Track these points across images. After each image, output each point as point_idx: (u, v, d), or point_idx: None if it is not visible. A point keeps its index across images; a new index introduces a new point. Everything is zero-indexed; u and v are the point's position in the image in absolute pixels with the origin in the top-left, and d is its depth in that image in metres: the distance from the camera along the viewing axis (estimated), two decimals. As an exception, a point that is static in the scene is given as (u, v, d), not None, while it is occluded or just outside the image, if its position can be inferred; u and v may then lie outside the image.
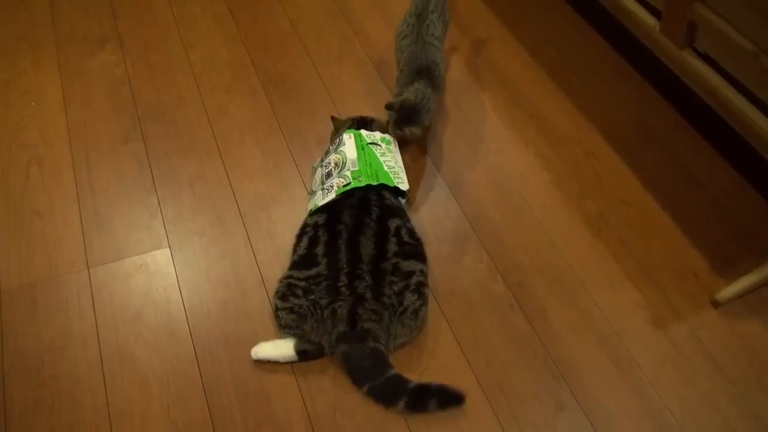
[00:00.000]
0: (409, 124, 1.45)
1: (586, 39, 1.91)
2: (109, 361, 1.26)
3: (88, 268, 1.40)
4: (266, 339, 1.27)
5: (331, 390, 1.22)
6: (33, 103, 1.74)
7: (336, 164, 1.40)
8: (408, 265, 1.28)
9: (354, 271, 1.25)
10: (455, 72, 1.83)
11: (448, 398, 1.19)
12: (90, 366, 1.25)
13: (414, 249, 1.32)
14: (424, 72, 1.49)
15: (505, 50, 1.88)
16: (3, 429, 1.17)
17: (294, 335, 1.24)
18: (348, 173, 1.36)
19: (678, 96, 1.73)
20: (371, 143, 1.43)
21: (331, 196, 1.35)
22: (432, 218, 1.49)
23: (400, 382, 1.19)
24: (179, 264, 1.41)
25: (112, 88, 1.78)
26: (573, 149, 1.64)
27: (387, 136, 1.49)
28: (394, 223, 1.32)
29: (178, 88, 1.78)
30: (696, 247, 1.45)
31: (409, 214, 1.41)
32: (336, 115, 1.69)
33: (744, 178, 1.57)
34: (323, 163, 1.45)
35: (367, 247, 1.27)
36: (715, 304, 1.36)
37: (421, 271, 1.29)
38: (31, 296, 1.35)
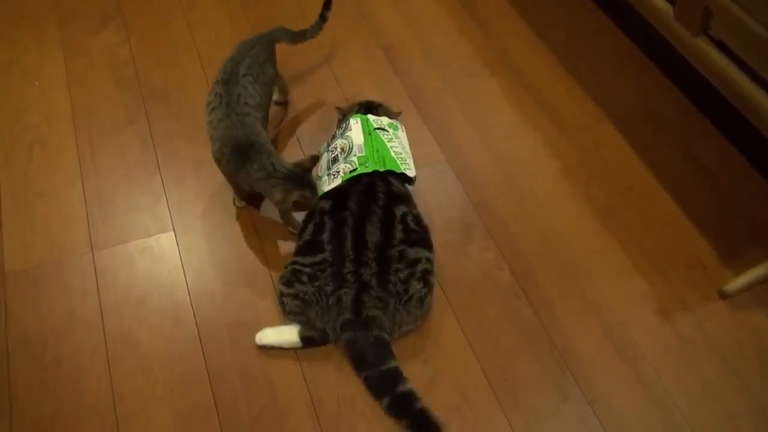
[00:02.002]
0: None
1: (596, 23, 1.88)
2: (113, 345, 1.26)
3: (92, 251, 1.39)
4: (271, 325, 1.27)
5: (335, 377, 1.22)
6: (36, 83, 1.72)
7: (342, 149, 1.38)
8: (414, 252, 1.27)
9: (360, 258, 1.24)
10: (463, 57, 1.80)
11: (422, 427, 1.13)
12: (94, 349, 1.25)
13: (420, 236, 1.31)
14: (248, 151, 1.28)
15: (513, 34, 1.85)
16: (7, 411, 1.17)
17: (298, 322, 1.24)
18: (354, 159, 1.35)
19: (689, 83, 1.70)
20: (378, 128, 1.41)
21: (337, 181, 1.33)
22: (438, 205, 1.48)
23: (392, 379, 1.17)
24: (183, 248, 1.41)
25: (116, 69, 1.76)
26: (581, 136, 1.62)
27: (394, 121, 1.47)
28: (400, 210, 1.30)
29: (182, 69, 1.76)
30: (704, 237, 1.44)
31: (416, 200, 1.40)
32: (342, 100, 1.67)
33: (754, 167, 1.55)
34: (329, 148, 1.43)
35: (373, 234, 1.26)
36: (723, 296, 1.35)
37: (427, 259, 1.28)
38: (34, 279, 1.35)
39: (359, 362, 1.20)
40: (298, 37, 1.59)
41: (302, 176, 1.29)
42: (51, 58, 1.78)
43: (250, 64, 1.39)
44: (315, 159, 1.32)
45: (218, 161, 1.34)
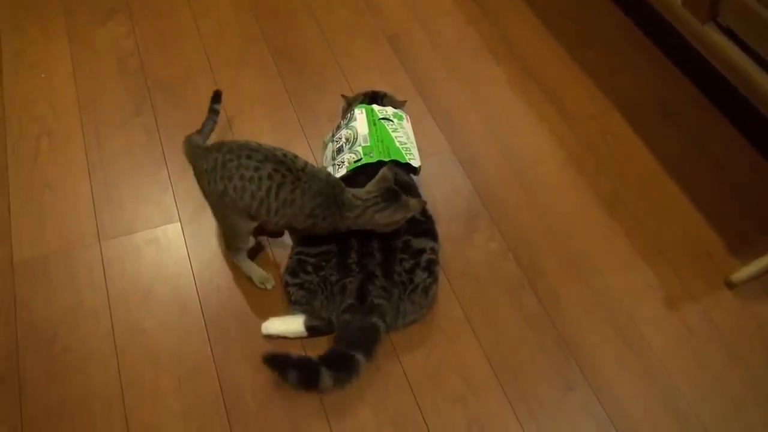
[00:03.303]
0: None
1: (604, 12, 1.86)
2: (120, 335, 1.27)
3: (99, 242, 1.40)
4: (276, 315, 1.27)
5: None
6: (42, 75, 1.73)
7: (347, 140, 1.38)
8: (419, 242, 1.27)
9: (364, 249, 1.24)
10: (469, 46, 1.79)
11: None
12: (102, 339, 1.26)
13: (425, 226, 1.30)
14: (335, 198, 1.20)
15: (520, 23, 1.84)
16: (17, 400, 1.19)
17: (304, 311, 1.24)
18: (359, 149, 1.35)
19: (698, 72, 1.69)
20: (383, 118, 1.40)
21: (342, 171, 1.33)
22: (443, 195, 1.48)
23: (348, 364, 1.15)
24: (190, 239, 1.41)
25: (122, 60, 1.76)
26: (589, 126, 1.61)
27: (399, 111, 1.46)
28: (405, 200, 1.30)
29: (187, 61, 1.76)
30: (712, 227, 1.43)
31: (421, 190, 1.40)
32: (347, 91, 1.66)
33: (763, 157, 1.53)
34: (334, 139, 1.43)
35: (377, 224, 1.26)
36: (730, 285, 1.34)
37: (432, 249, 1.28)
38: (43, 269, 1.36)
39: (338, 337, 1.19)
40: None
41: (394, 190, 1.21)
42: (57, 49, 1.79)
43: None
44: (392, 170, 1.25)
45: (313, 225, 1.21)
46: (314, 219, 1.20)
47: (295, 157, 1.21)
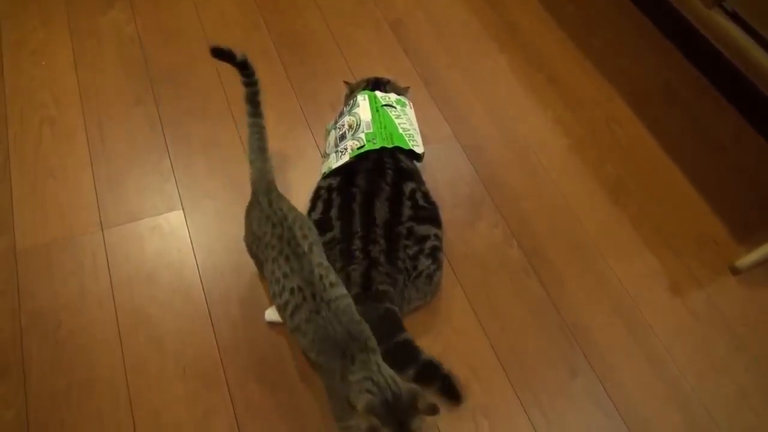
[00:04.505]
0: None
1: (608, -2, 1.85)
2: (124, 321, 1.27)
3: (102, 230, 1.40)
4: (280, 301, 1.27)
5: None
6: (43, 63, 1.72)
7: (350, 126, 1.38)
8: (423, 229, 1.26)
9: (368, 235, 1.23)
10: (472, 32, 1.78)
11: (449, 390, 1.16)
12: (106, 325, 1.26)
13: (429, 213, 1.30)
14: (349, 350, 1.00)
15: (523, 9, 1.83)
16: (22, 386, 1.19)
17: (308, 298, 1.24)
18: (362, 135, 1.34)
19: (703, 57, 1.67)
20: (386, 105, 1.40)
21: (345, 158, 1.33)
22: (447, 182, 1.47)
23: (411, 350, 1.18)
24: (193, 226, 1.41)
25: (123, 48, 1.75)
26: (593, 113, 1.60)
27: (402, 97, 1.45)
28: (408, 186, 1.30)
29: (189, 49, 1.75)
30: (716, 214, 1.42)
31: (424, 177, 1.39)
32: (350, 78, 1.65)
33: (769, 143, 1.53)
34: (337, 125, 1.42)
35: (381, 211, 1.25)
36: (735, 272, 1.33)
37: (436, 236, 1.27)
38: (46, 256, 1.36)
39: None
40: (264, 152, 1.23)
41: (404, 410, 0.95)
42: (58, 37, 1.78)
43: (298, 221, 1.11)
44: (435, 409, 0.96)
45: (315, 359, 1.05)
46: (317, 357, 1.03)
47: (333, 285, 1.05)
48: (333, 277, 1.07)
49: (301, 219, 1.13)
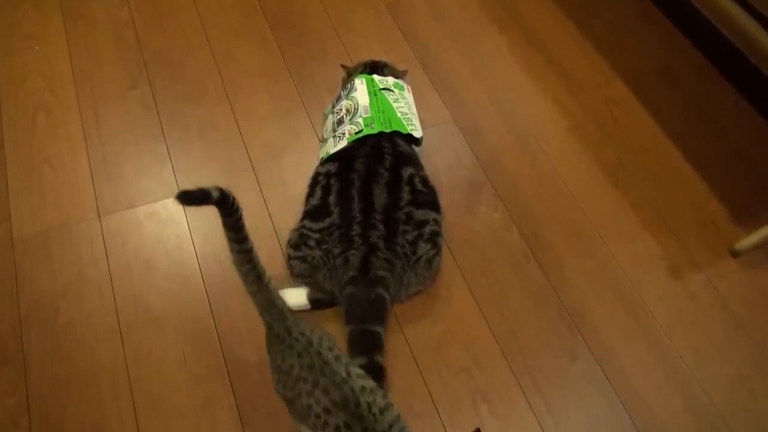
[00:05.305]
0: None
1: (608, -22, 1.82)
2: (123, 309, 1.27)
3: (99, 217, 1.39)
4: (279, 287, 1.26)
5: (343, 338, 1.23)
6: (36, 47, 1.70)
7: (347, 111, 1.36)
8: (421, 214, 1.26)
9: (367, 220, 1.23)
10: (471, 14, 1.76)
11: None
12: (105, 313, 1.26)
13: (427, 198, 1.29)
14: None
15: (523, -10, 1.80)
16: (23, 376, 1.19)
17: (307, 284, 1.24)
18: (360, 120, 1.33)
19: (704, 39, 1.66)
20: (384, 89, 1.38)
21: (343, 143, 1.32)
22: (446, 166, 1.46)
23: (374, 345, 1.15)
24: (191, 213, 1.40)
25: (117, 32, 1.73)
26: (593, 95, 1.58)
27: (400, 81, 1.44)
28: (407, 171, 1.29)
29: (184, 32, 1.72)
30: (717, 196, 1.41)
31: (423, 161, 1.38)
32: (347, 61, 1.63)
33: (770, 125, 1.52)
34: (334, 110, 1.41)
35: (379, 196, 1.25)
36: (735, 254, 1.33)
37: (435, 221, 1.27)
38: (44, 243, 1.35)
39: (350, 315, 1.19)
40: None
41: None
42: (51, 21, 1.75)
43: (324, 342, 0.98)
44: None
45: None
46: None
47: (383, 410, 0.92)
48: (380, 400, 0.93)
49: (324, 337, 0.99)
